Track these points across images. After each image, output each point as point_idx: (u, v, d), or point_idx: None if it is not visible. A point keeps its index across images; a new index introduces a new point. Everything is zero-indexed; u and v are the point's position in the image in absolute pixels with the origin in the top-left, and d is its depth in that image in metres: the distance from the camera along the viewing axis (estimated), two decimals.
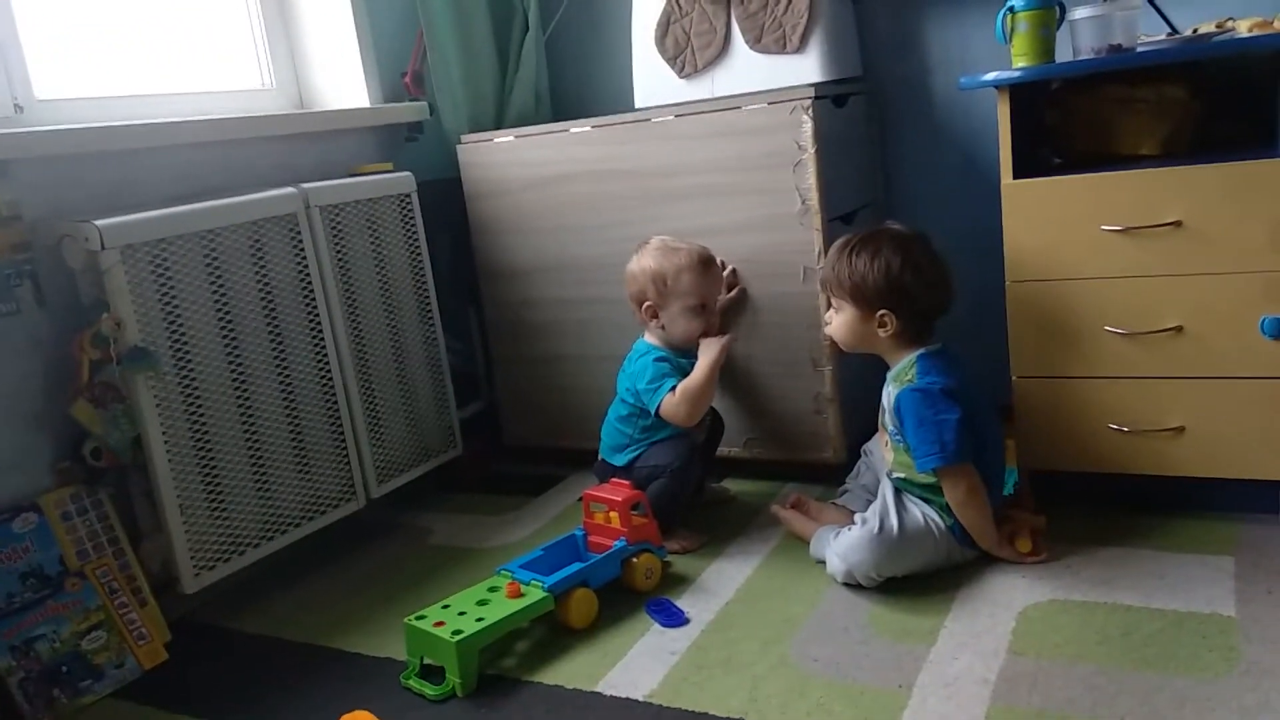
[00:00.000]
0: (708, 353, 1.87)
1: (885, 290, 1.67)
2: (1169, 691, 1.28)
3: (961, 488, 1.61)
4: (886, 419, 1.72)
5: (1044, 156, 1.90)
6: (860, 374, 2.02)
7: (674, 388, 1.85)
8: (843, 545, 1.63)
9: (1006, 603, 1.54)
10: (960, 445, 1.60)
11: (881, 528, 1.61)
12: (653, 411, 1.87)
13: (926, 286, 1.67)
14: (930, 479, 1.64)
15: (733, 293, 2.03)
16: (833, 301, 1.76)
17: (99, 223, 1.60)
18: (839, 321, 1.75)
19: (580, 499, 1.82)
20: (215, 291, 1.76)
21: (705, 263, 1.91)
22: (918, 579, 1.62)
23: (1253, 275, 1.59)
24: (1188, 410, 1.68)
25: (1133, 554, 1.63)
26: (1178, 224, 1.62)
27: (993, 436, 1.70)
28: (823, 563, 1.69)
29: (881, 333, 1.70)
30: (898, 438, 1.68)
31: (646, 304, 1.92)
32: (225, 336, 1.78)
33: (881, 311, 1.68)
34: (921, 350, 1.69)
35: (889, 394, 1.71)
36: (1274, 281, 1.58)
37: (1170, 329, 1.66)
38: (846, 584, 1.64)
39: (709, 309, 1.92)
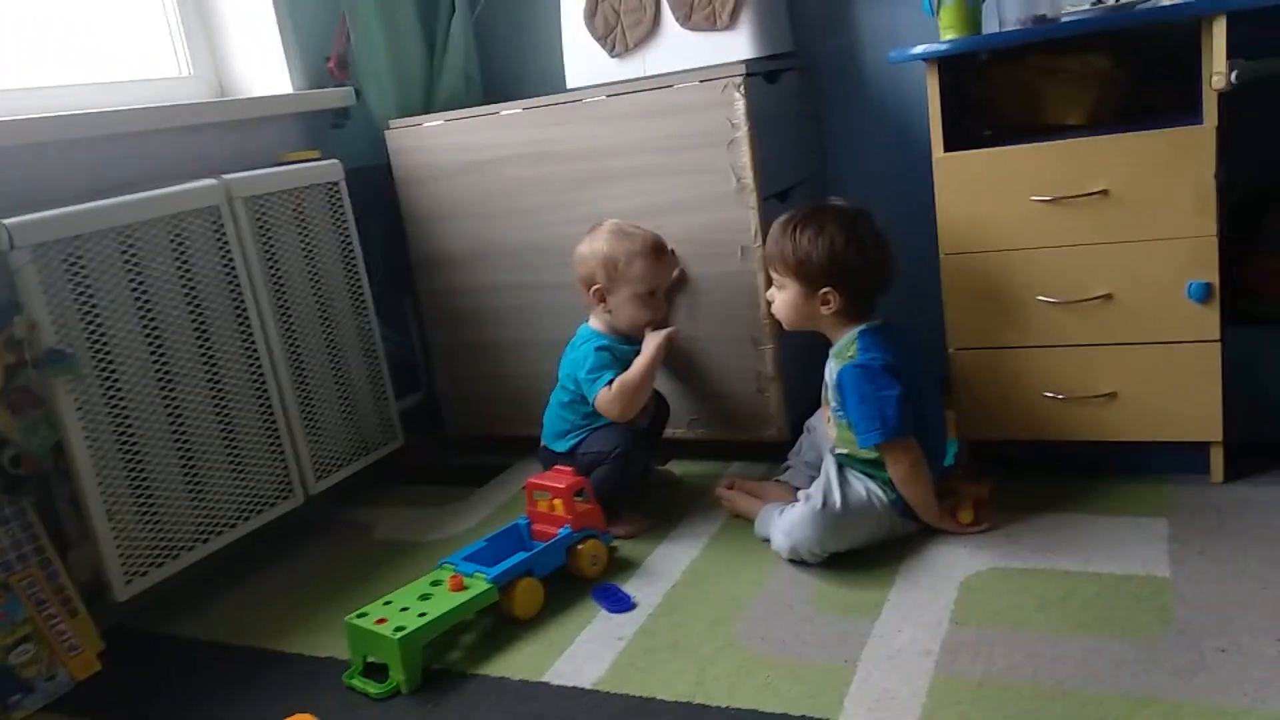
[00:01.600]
0: (648, 348, 1.86)
1: (829, 267, 1.66)
2: (1107, 654, 1.30)
3: (904, 463, 1.62)
4: (829, 395, 1.72)
5: (974, 129, 1.91)
6: (801, 351, 2.02)
7: (611, 381, 1.83)
8: (787, 522, 1.63)
9: (948, 573, 1.55)
10: (901, 420, 1.60)
11: (825, 503, 1.61)
12: (590, 401, 1.85)
13: (870, 263, 1.67)
14: (872, 454, 1.65)
15: (674, 274, 2.01)
16: (775, 279, 1.75)
17: (7, 221, 1.53)
18: (782, 299, 1.73)
19: (524, 488, 1.80)
20: (136, 289, 1.70)
21: (658, 250, 1.88)
22: (861, 553, 1.63)
23: (1179, 241, 1.62)
24: (1119, 376, 1.70)
25: (1070, 519, 1.66)
26: (1105, 193, 1.63)
27: (934, 410, 1.71)
28: (768, 541, 1.69)
29: (825, 310, 1.69)
30: (840, 414, 1.68)
31: (595, 288, 1.89)
32: (148, 335, 1.72)
33: (825, 289, 1.67)
34: (863, 326, 1.69)
35: (831, 370, 1.71)
36: (1200, 246, 1.60)
37: (1100, 297, 1.68)
38: (791, 560, 1.64)
39: (657, 297, 1.90)
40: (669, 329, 1.90)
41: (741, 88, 1.86)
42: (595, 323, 1.93)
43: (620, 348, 1.89)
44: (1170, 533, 1.57)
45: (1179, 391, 1.67)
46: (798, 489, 1.76)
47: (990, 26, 1.75)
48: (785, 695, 1.32)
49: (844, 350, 1.68)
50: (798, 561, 1.64)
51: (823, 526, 1.61)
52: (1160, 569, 1.48)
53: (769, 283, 1.79)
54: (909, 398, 1.62)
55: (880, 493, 1.65)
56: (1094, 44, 1.75)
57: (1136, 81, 1.79)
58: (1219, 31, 1.51)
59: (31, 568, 1.63)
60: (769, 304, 1.80)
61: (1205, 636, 1.31)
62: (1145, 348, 1.68)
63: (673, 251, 2.00)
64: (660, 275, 1.90)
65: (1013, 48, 1.78)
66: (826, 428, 1.77)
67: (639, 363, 1.84)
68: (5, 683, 1.54)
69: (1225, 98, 1.55)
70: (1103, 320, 1.69)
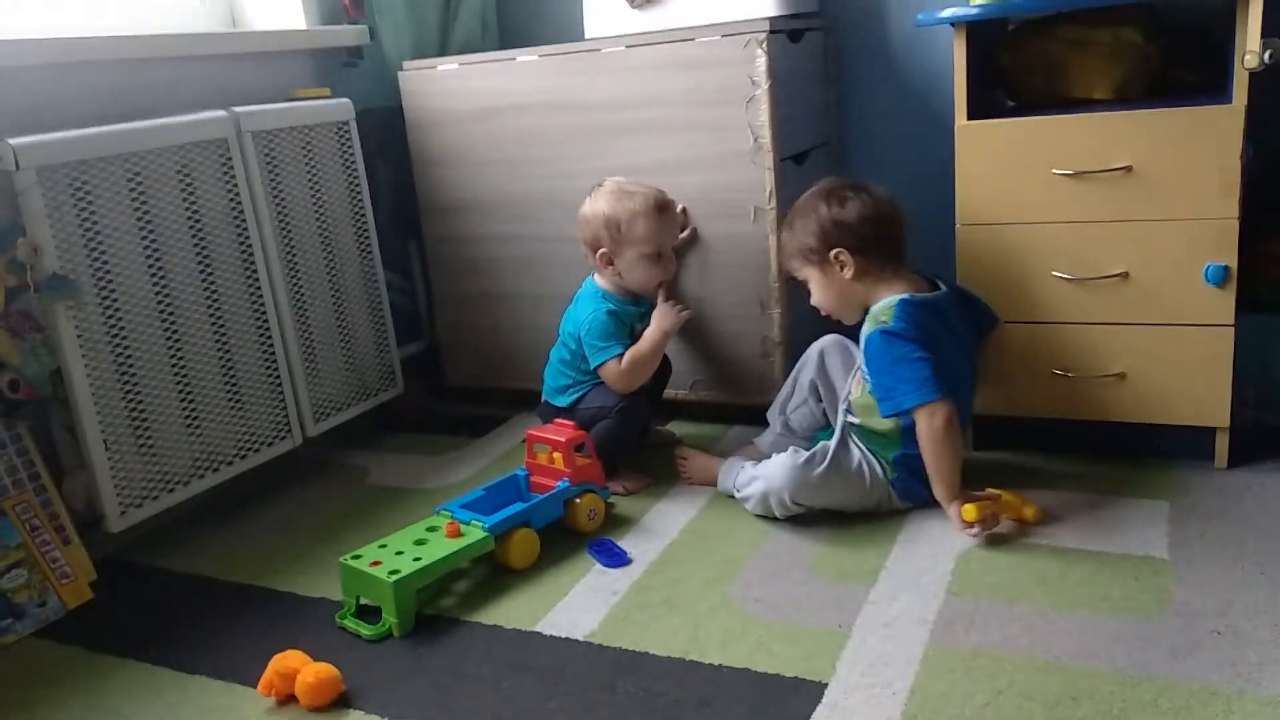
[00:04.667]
0: (660, 323, 1.84)
1: (826, 232, 1.66)
2: (1103, 631, 1.30)
3: (938, 419, 1.54)
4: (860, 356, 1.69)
5: (998, 98, 1.88)
6: (809, 318, 2.00)
7: (620, 355, 1.81)
8: (766, 468, 1.63)
9: (946, 544, 1.54)
10: (935, 381, 1.55)
11: (811, 460, 1.61)
12: (592, 367, 1.84)
13: (859, 212, 1.64)
14: (885, 426, 1.62)
15: (684, 233, 1.99)
16: (804, 281, 1.74)
17: (13, 141, 1.51)
18: (814, 291, 1.72)
19: (524, 440, 1.79)
20: (140, 218, 1.68)
21: (661, 207, 1.84)
22: (859, 521, 1.63)
23: (1199, 222, 1.59)
24: (1130, 357, 1.69)
25: (1071, 497, 1.65)
26: (1128, 169, 1.61)
27: (964, 388, 1.68)
28: (733, 496, 1.71)
29: (847, 274, 1.66)
30: (868, 375, 1.65)
31: (601, 251, 1.86)
32: (151, 265, 1.70)
33: (835, 250, 1.65)
34: (905, 296, 1.63)
35: (864, 331, 1.66)
36: (1220, 229, 1.58)
37: (1116, 275, 1.66)
38: (760, 515, 1.65)
39: (665, 256, 1.87)
40: (685, 312, 1.89)
41: (764, 44, 1.83)
42: (600, 280, 1.91)
43: (626, 309, 1.87)
44: (1171, 515, 1.57)
45: (1188, 375, 1.66)
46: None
47: None
48: (778, 656, 1.32)
49: (879, 314, 1.63)
50: (765, 516, 1.65)
51: (798, 479, 1.59)
52: (1160, 550, 1.47)
53: (789, 280, 1.80)
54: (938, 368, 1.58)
55: (879, 468, 1.63)
56: (1125, 17, 1.71)
57: (1167, 58, 1.76)
58: (1255, 9, 1.48)
59: (26, 493, 1.63)
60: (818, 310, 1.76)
61: (1201, 618, 1.30)
62: (1157, 329, 1.66)
63: (684, 209, 1.98)
64: (666, 233, 1.86)
65: (1043, 17, 1.75)
66: (852, 384, 1.73)
67: (651, 336, 1.83)
68: None
69: (1255, 78, 1.52)
70: (1117, 299, 1.67)
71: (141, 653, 1.48)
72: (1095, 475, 1.71)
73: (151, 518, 1.73)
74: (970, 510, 1.53)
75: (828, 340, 1.84)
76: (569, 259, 2.09)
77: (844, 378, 1.78)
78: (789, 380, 1.88)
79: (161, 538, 1.83)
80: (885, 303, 1.64)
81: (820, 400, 1.83)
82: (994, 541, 1.54)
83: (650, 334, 1.83)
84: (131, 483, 1.68)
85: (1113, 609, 1.34)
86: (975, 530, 1.53)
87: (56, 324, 1.57)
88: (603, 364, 1.82)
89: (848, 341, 1.81)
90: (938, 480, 1.58)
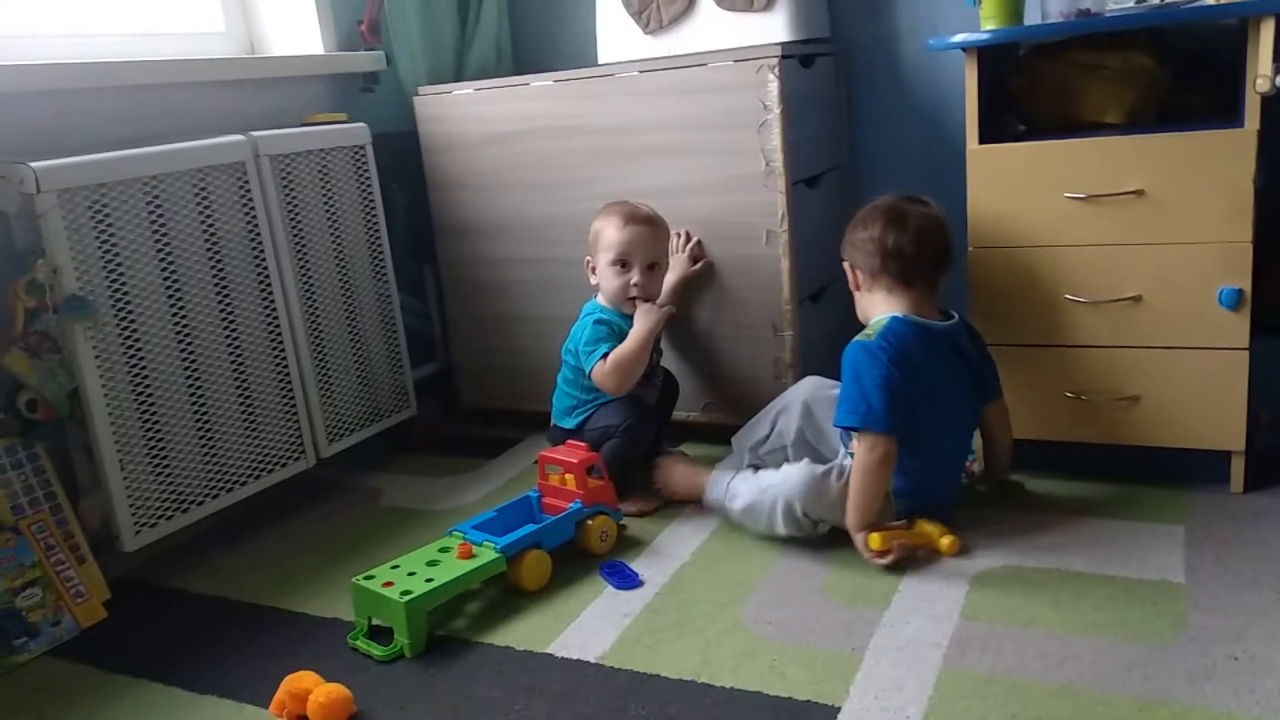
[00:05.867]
0: (643, 321, 1.85)
1: (843, 243, 1.71)
2: (1118, 656, 1.29)
3: (874, 454, 1.54)
4: None
5: (1009, 123, 1.89)
6: (822, 341, 2.01)
7: (606, 354, 1.82)
8: (778, 476, 1.62)
9: (960, 568, 1.54)
10: (887, 412, 1.54)
11: (828, 473, 1.59)
12: (587, 373, 1.85)
13: (878, 240, 1.63)
14: None
15: (698, 265, 2.00)
16: None
17: (35, 165, 1.53)
18: None
19: (536, 461, 1.79)
20: (158, 240, 1.70)
21: (633, 218, 1.86)
22: None
23: (1212, 245, 1.59)
24: (1144, 380, 1.68)
25: (1086, 522, 1.64)
26: (1140, 193, 1.61)
27: (951, 420, 1.66)
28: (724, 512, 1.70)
29: (852, 284, 1.70)
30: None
31: (588, 259, 1.92)
32: (169, 287, 1.72)
33: (845, 261, 1.70)
34: (899, 314, 1.62)
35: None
36: (1232, 252, 1.58)
37: (1129, 298, 1.66)
38: (750, 529, 1.65)
39: (633, 267, 1.86)
40: (666, 308, 1.90)
41: (776, 69, 1.84)
42: (599, 297, 1.93)
43: (618, 322, 1.88)
44: (1187, 540, 1.56)
45: (1203, 399, 1.65)
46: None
47: (1032, 19, 1.73)
48: (791, 680, 1.31)
49: (869, 328, 1.63)
50: (769, 535, 1.64)
51: (816, 491, 1.58)
52: (1176, 575, 1.46)
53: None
54: (915, 398, 1.56)
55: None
56: (1136, 42, 1.72)
57: (1177, 82, 1.77)
58: (1266, 33, 1.48)
59: (42, 513, 1.64)
60: None
61: (1218, 644, 1.29)
62: (1172, 352, 1.65)
63: (698, 241, 1.99)
64: (635, 244, 1.85)
65: (1054, 42, 1.76)
66: None
67: (633, 334, 1.84)
68: (11, 625, 1.55)
69: (1267, 102, 1.53)
70: (1130, 322, 1.67)
71: (154, 673, 1.48)
72: (1110, 499, 1.71)
73: (166, 537, 1.74)
74: (876, 539, 1.54)
75: (808, 387, 1.80)
76: (582, 282, 2.09)
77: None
78: (763, 419, 1.84)
79: (175, 557, 1.83)
80: (878, 319, 1.64)
81: (803, 454, 1.75)
82: (1008, 566, 1.53)
83: (634, 332, 1.84)
84: (146, 503, 1.69)
85: (1128, 634, 1.33)
86: (883, 559, 1.54)
87: (74, 345, 1.59)
88: (592, 369, 1.83)
89: (829, 384, 1.77)
90: (854, 507, 1.57)
